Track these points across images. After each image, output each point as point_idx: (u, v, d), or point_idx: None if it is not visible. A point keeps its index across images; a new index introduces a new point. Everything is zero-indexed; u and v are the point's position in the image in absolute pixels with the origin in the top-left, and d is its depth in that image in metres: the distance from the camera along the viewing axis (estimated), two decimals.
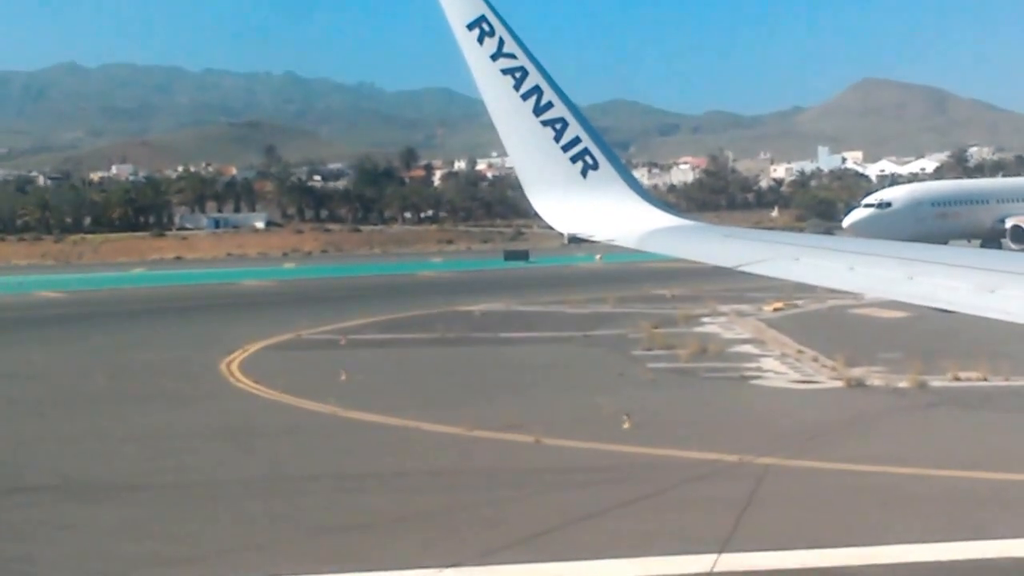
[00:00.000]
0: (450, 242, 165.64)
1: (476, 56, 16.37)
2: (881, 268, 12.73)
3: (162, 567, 21.27)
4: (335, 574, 20.57)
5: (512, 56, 16.19)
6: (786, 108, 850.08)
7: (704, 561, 20.54)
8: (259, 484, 28.39)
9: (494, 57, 16.25)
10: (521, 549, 21.78)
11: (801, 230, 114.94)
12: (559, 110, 16.35)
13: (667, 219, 16.94)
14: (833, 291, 16.47)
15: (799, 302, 62.54)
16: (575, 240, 18.34)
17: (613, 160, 17.06)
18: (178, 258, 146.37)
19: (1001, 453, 28.70)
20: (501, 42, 16.08)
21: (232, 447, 32.95)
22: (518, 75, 16.23)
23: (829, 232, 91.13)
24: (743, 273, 14.20)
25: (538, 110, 16.30)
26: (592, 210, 16.88)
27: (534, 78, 16.25)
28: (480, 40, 16.19)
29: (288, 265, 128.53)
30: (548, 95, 16.28)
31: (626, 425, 32.70)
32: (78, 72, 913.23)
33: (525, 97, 16.28)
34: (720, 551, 21.04)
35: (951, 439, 31.29)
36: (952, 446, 30.11)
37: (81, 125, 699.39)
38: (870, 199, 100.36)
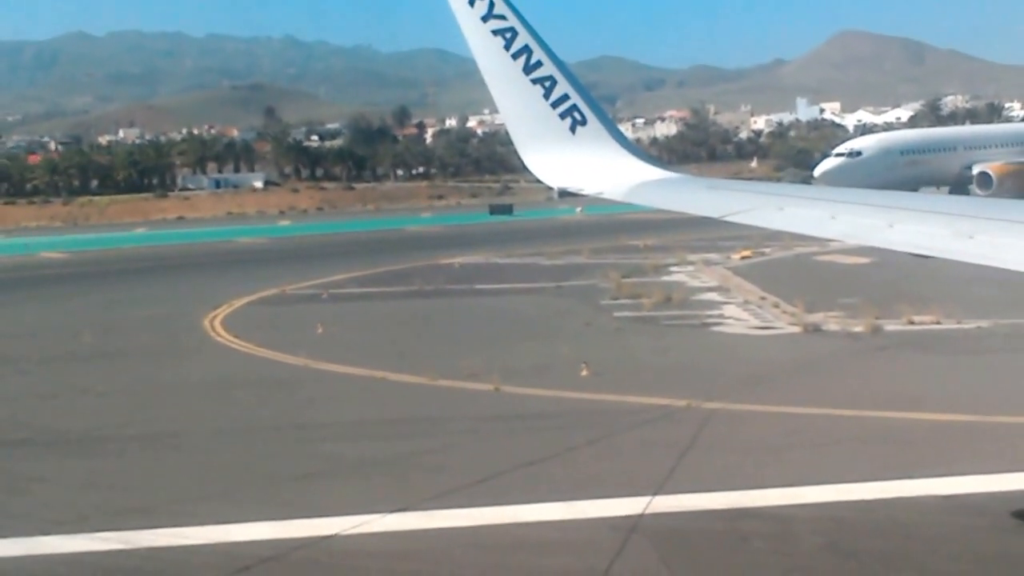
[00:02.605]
0: (440, 197, 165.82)
1: (467, 17, 16.89)
2: (862, 216, 13.18)
3: (118, 516, 21.84)
4: (282, 520, 21.13)
5: (502, 17, 16.66)
6: (768, 61, 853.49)
7: (637, 503, 21.07)
8: (223, 435, 29.14)
9: (485, 18, 16.75)
10: (462, 494, 22.34)
11: (778, 179, 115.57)
12: (548, 68, 16.83)
13: (653, 172, 17.43)
14: (809, 238, 16.86)
15: (767, 250, 63.18)
16: (565, 194, 18.85)
17: (601, 116, 17.58)
18: (180, 218, 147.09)
19: (940, 394, 29.36)
20: (491, 4, 16.57)
21: (202, 399, 33.68)
22: (508, 35, 16.71)
23: (805, 182, 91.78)
24: (726, 223, 14.70)
25: (528, 69, 16.80)
26: (581, 164, 17.39)
27: (523, 38, 16.72)
28: (471, 2, 16.71)
29: (283, 223, 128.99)
30: (537, 54, 16.77)
31: (584, 373, 33.47)
32: (87, 40, 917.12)
33: (515, 56, 16.77)
34: (655, 494, 21.59)
35: (895, 381, 31.88)
36: (895, 388, 30.67)
37: (90, 91, 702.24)
38: (841, 148, 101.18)
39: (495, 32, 16.92)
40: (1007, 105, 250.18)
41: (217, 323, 47.69)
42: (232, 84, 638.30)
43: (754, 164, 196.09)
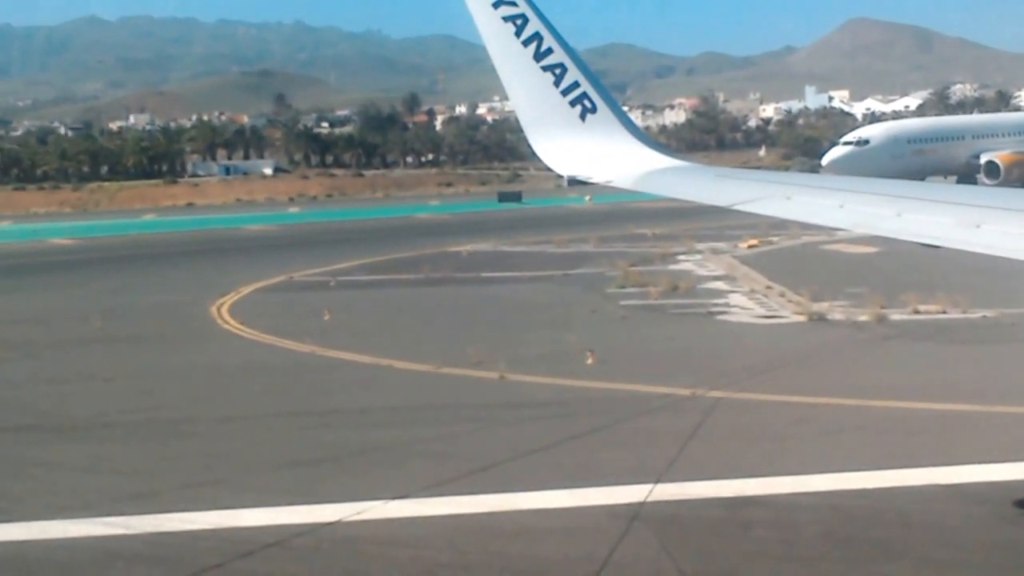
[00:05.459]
0: (449, 185, 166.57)
1: (478, 3, 16.89)
2: (870, 205, 13.25)
3: (123, 502, 21.95)
4: (284, 506, 21.21)
5: (513, 3, 16.64)
6: (778, 48, 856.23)
7: (640, 491, 21.07)
8: (228, 421, 29.21)
9: (496, 5, 16.74)
10: (465, 482, 22.38)
11: (787, 168, 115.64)
12: (559, 55, 16.78)
13: (662, 160, 17.41)
14: (816, 227, 16.88)
15: (774, 239, 63.26)
16: (574, 182, 18.86)
17: (611, 103, 17.53)
18: (190, 204, 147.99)
19: (944, 384, 29.35)
20: None
21: (209, 386, 33.85)
22: (519, 22, 16.68)
23: (813, 170, 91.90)
24: (734, 211, 14.73)
25: (538, 56, 16.77)
26: (590, 152, 17.39)
27: (534, 24, 16.67)
28: None
29: (292, 210, 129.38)
30: (548, 41, 16.72)
31: (589, 361, 33.47)
32: (98, 25, 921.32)
33: (526, 43, 16.74)
34: (657, 482, 21.57)
35: (899, 371, 31.89)
36: (899, 377, 30.67)
37: (101, 77, 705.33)
38: (848, 137, 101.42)
39: (506, 19, 16.92)
40: (1015, 94, 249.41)
41: (224, 310, 47.84)
42: (242, 70, 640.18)
43: (762, 152, 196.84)
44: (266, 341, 40.32)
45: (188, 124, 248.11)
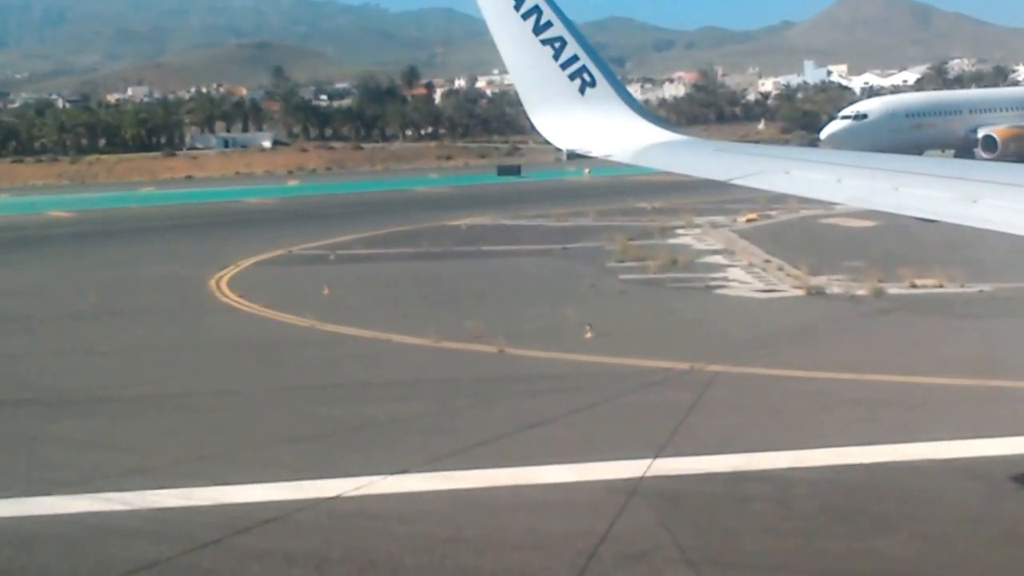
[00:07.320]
0: (448, 158, 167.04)
1: None
2: (867, 180, 13.25)
3: (118, 477, 21.86)
4: (283, 482, 21.12)
5: None
6: (776, 23, 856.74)
7: (638, 466, 21.01)
8: (226, 396, 29.16)
9: None
10: (465, 456, 22.34)
11: (786, 142, 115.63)
12: (558, 29, 16.69)
13: (661, 134, 17.38)
14: (814, 202, 16.84)
15: (772, 213, 63.34)
16: (573, 156, 18.85)
17: (610, 77, 17.44)
18: (188, 177, 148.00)
19: (941, 357, 29.37)
20: None
21: (208, 360, 33.83)
22: None
23: (811, 144, 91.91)
24: (733, 185, 14.75)
25: (538, 29, 16.67)
26: (590, 126, 17.33)
27: None
28: None
29: (291, 183, 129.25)
30: (547, 14, 16.64)
31: (588, 335, 33.42)
32: None
33: (525, 16, 16.65)
34: (655, 456, 21.55)
35: (896, 345, 31.89)
36: (897, 351, 30.68)
37: (99, 49, 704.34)
38: (847, 111, 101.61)
39: None
40: (1013, 68, 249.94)
41: (223, 283, 47.81)
42: (240, 42, 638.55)
43: (761, 126, 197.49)
44: (265, 315, 40.29)
45: (186, 96, 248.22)
